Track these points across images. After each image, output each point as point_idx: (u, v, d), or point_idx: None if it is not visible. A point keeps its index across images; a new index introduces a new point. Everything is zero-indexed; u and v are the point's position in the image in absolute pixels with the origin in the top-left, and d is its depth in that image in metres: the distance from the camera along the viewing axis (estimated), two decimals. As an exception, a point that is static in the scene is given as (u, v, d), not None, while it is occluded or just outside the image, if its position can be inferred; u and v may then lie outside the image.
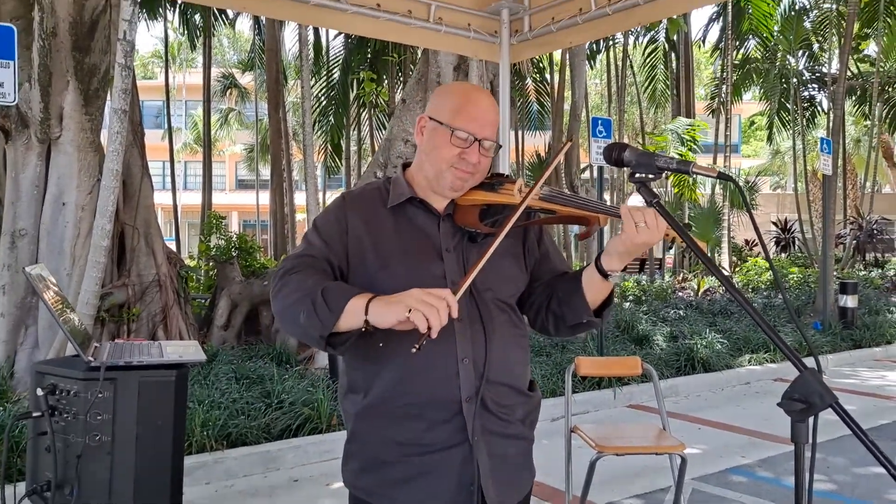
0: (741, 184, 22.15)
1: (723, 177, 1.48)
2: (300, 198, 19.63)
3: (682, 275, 16.86)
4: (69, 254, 6.46)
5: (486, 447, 1.62)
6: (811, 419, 1.28)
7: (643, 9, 3.07)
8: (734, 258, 17.57)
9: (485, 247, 1.54)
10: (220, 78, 25.53)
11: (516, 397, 1.70)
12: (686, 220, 15.49)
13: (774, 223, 24.37)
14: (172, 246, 12.15)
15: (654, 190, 1.57)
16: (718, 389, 7.61)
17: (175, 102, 31.31)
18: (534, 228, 1.82)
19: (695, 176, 1.50)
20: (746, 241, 22.37)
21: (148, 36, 49.82)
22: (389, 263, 1.64)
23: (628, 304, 11.90)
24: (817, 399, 1.24)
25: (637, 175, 1.54)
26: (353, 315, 1.42)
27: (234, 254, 9.05)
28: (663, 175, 1.61)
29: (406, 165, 1.81)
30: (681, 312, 10.72)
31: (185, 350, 1.95)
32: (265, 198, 21.43)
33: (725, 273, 13.16)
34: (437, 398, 1.59)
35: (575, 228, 1.76)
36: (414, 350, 1.37)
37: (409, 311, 1.35)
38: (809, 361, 1.29)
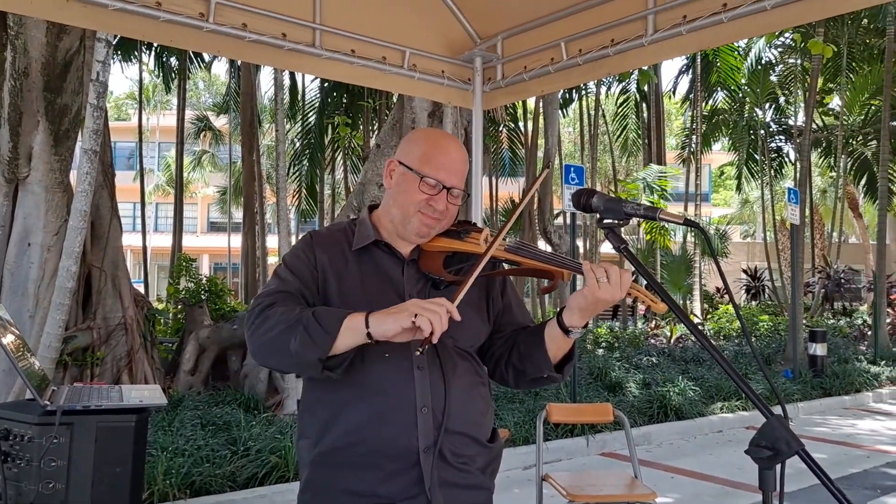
0: (711, 233, 22.55)
1: (689, 223, 1.50)
2: (272, 241, 19.53)
3: (654, 322, 16.94)
4: (33, 295, 6.33)
5: (444, 499, 1.58)
6: (778, 466, 1.28)
7: (613, 59, 3.14)
8: (706, 305, 17.74)
9: (450, 294, 1.53)
10: (194, 120, 25.51)
11: (476, 448, 1.67)
12: (658, 268, 15.65)
13: (745, 271, 24.70)
14: (141, 288, 11.97)
15: (626, 237, 1.58)
16: (691, 437, 7.59)
17: (148, 144, 31.23)
18: (498, 280, 1.81)
19: (662, 222, 1.51)
20: (718, 289, 22.61)
21: (122, 77, 49.81)
22: (354, 307, 1.60)
23: (601, 350, 11.91)
24: (784, 446, 1.24)
25: (605, 220, 1.56)
26: (352, 332, 1.43)
27: (203, 297, 8.94)
28: (633, 221, 1.62)
29: (373, 207, 1.81)
30: (653, 359, 10.74)
31: (146, 394, 1.89)
32: (237, 241, 21.28)
33: (697, 321, 13.23)
34: (394, 448, 1.56)
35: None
36: (418, 353, 1.42)
37: (416, 316, 1.38)
38: (780, 410, 1.29)
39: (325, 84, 15.12)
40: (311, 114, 16.11)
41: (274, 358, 1.53)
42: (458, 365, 1.65)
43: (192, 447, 5.27)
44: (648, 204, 1.53)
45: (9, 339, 2.01)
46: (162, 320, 9.97)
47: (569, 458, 6.56)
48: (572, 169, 8.04)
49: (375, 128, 14.70)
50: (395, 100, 10.29)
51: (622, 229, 1.61)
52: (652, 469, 6.16)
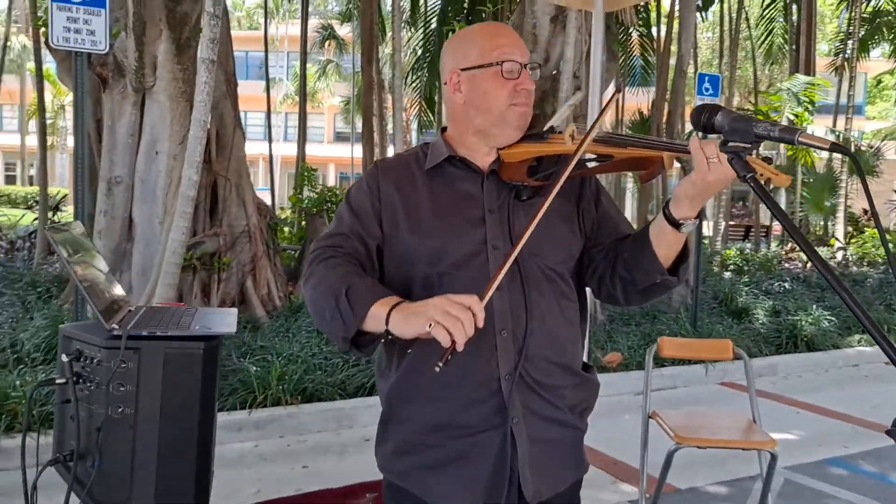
0: (864, 149, 20.69)
1: (836, 149, 1.20)
2: (392, 152, 19.63)
3: (790, 244, 15.89)
4: (161, 202, 6.61)
5: (527, 430, 1.44)
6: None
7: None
8: (850, 229, 16.41)
9: (534, 208, 1.35)
10: (318, 29, 25.71)
11: (563, 376, 1.51)
12: (798, 187, 14.56)
13: (898, 192, 22.63)
14: (268, 196, 12.38)
15: (766, 152, 1.31)
16: (822, 371, 7.10)
17: (277, 54, 31.84)
18: (590, 186, 1.62)
19: (802, 146, 1.22)
20: (865, 211, 20.86)
21: (254, -14, 50.56)
22: (424, 230, 1.48)
23: (728, 274, 11.31)
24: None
25: (730, 143, 1.29)
26: (375, 321, 1.30)
27: (324, 206, 9.10)
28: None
29: (444, 130, 1.65)
30: (786, 285, 10.08)
31: (218, 320, 1.83)
32: (360, 151, 21.51)
33: (838, 245, 12.20)
34: (473, 375, 1.43)
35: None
36: (437, 369, 1.20)
37: (430, 325, 1.20)
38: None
39: (448, -12, 14.64)
40: (432, 20, 15.71)
41: (315, 319, 1.44)
42: (543, 285, 1.49)
43: (307, 354, 5.43)
44: (785, 124, 1.23)
45: (92, 261, 1.97)
46: (285, 228, 10.29)
47: (685, 387, 6.29)
48: (706, 78, 7.42)
49: (497, 35, 14.17)
50: (515, 4, 9.79)
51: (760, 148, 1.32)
52: (775, 402, 5.81)
